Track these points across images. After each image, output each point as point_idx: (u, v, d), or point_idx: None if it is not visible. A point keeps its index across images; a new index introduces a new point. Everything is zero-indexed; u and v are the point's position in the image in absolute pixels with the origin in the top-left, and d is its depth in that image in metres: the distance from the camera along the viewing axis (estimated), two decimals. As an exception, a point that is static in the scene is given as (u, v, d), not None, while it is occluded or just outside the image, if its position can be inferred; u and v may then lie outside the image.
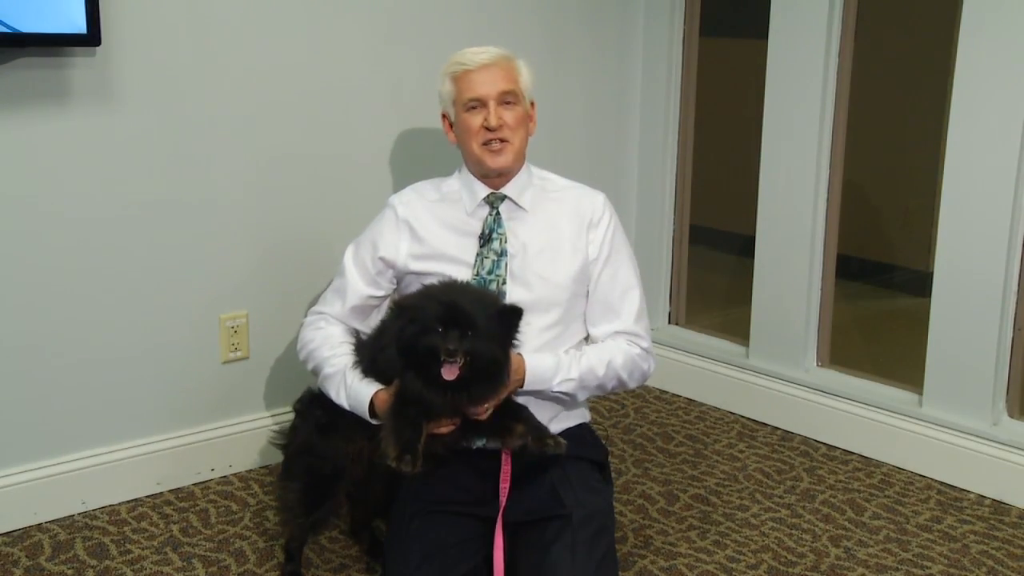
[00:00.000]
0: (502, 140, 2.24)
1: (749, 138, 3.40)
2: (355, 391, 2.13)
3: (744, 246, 3.55)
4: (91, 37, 2.41)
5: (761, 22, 3.27)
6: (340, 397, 2.16)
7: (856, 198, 3.60)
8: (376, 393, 2.11)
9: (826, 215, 3.25)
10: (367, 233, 2.36)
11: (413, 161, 3.11)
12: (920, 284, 3.49)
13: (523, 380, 2.14)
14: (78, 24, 2.38)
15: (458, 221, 2.29)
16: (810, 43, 3.15)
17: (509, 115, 2.24)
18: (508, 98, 2.24)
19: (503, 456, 2.17)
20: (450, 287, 2.09)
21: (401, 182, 2.72)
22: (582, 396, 2.23)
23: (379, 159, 3.08)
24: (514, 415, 2.11)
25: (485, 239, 2.26)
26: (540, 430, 2.10)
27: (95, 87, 2.55)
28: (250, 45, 2.78)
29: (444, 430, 2.08)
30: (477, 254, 2.26)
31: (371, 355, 2.14)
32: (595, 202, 2.32)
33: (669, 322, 3.80)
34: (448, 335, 1.94)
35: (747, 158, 3.43)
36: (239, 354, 2.92)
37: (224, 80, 2.76)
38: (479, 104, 2.23)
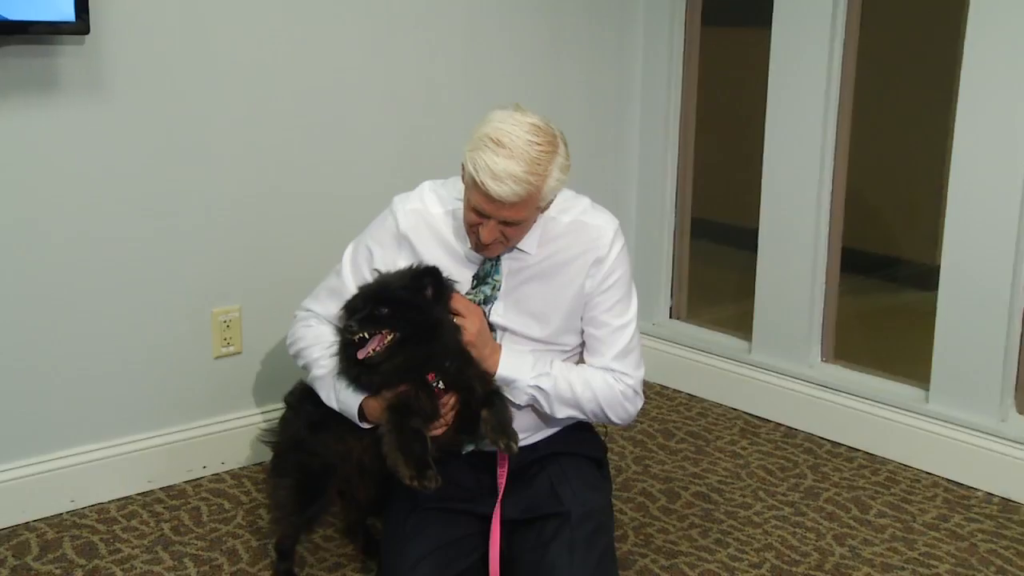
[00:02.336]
0: (490, 245, 2.08)
1: (752, 129, 3.39)
2: (345, 396, 2.11)
3: (747, 239, 3.55)
4: (80, 25, 2.39)
5: (764, 10, 3.27)
6: (330, 400, 2.14)
7: (861, 190, 3.59)
8: (365, 399, 2.08)
9: (830, 207, 3.23)
10: (366, 235, 2.26)
11: (412, 155, 3.10)
12: (927, 278, 3.48)
13: (497, 362, 2.09)
14: (66, 12, 2.36)
15: (458, 247, 2.18)
16: (814, 31, 3.13)
17: (511, 231, 2.05)
18: (511, 224, 2.05)
19: (493, 520, 2.14)
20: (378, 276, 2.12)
21: (399, 177, 2.70)
22: (558, 408, 2.14)
23: (378, 153, 3.06)
24: (485, 402, 2.07)
25: (478, 281, 2.18)
26: (503, 423, 2.05)
27: (84, 77, 2.52)
28: (247, 34, 2.76)
29: (438, 432, 2.06)
30: (468, 293, 2.17)
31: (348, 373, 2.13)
32: (603, 235, 2.16)
33: (670, 316, 3.79)
34: (351, 319, 1.98)
35: (750, 149, 3.41)
36: (232, 349, 2.91)
37: (219, 70, 2.74)
38: (479, 213, 2.04)
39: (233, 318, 2.89)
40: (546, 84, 3.35)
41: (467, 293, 2.15)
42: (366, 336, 1.97)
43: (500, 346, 2.12)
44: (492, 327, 2.16)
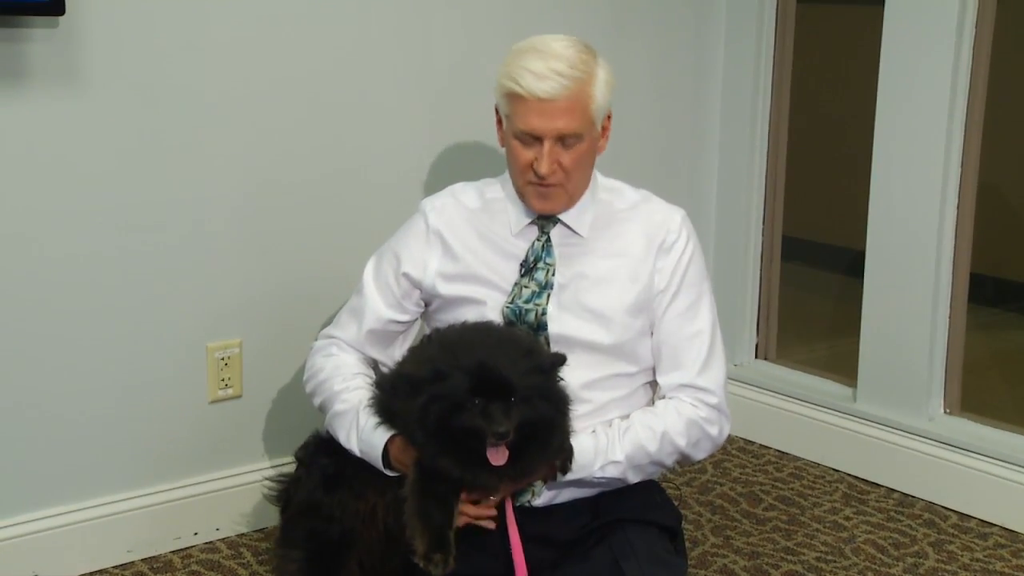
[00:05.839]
0: (554, 184, 2.20)
1: (858, 128, 3.36)
2: (368, 435, 2.13)
3: (851, 262, 3.55)
4: (53, 4, 2.40)
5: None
6: (350, 441, 2.17)
7: (994, 203, 3.56)
8: (392, 439, 2.11)
9: (956, 224, 3.20)
10: (391, 242, 2.37)
11: (443, 153, 3.11)
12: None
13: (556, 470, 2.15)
14: (37, -11, 2.40)
15: (500, 238, 2.29)
16: (938, 8, 3.09)
17: (568, 157, 2.18)
18: (570, 140, 2.18)
19: (507, 509, 2.13)
20: (472, 337, 2.08)
21: (432, 185, 2.70)
22: (633, 477, 2.22)
23: (404, 156, 3.07)
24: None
25: (527, 268, 2.25)
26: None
27: (58, 65, 2.54)
28: (248, 18, 2.78)
29: (485, 516, 2.10)
30: (516, 283, 2.25)
31: (388, 411, 2.14)
32: (670, 221, 2.29)
33: (756, 356, 3.77)
34: (490, 411, 1.94)
35: (855, 153, 3.39)
36: (230, 392, 2.92)
37: (215, 56, 2.75)
38: (532, 139, 2.18)
39: (232, 354, 2.89)
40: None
41: (516, 284, 2.24)
42: (508, 432, 1.94)
43: None
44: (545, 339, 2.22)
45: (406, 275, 2.30)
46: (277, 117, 2.86)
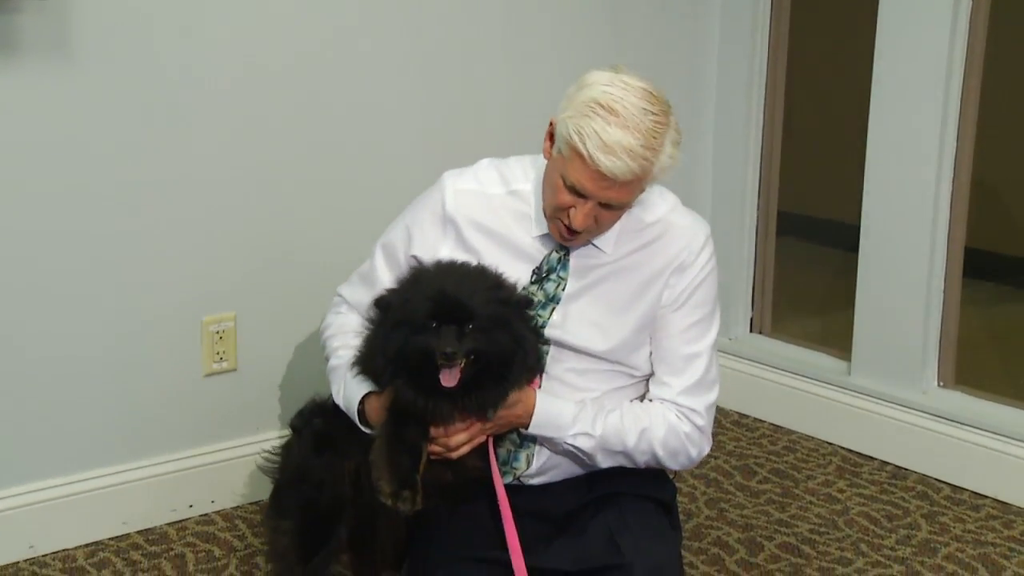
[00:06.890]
0: (582, 233, 2.13)
1: (853, 102, 3.36)
2: (350, 391, 2.15)
3: (846, 237, 3.52)
4: (44, -24, 2.40)
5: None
6: (338, 395, 2.20)
7: (990, 178, 3.56)
8: (367, 396, 2.12)
9: (951, 199, 3.20)
10: (407, 214, 2.32)
11: (441, 135, 3.11)
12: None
13: (528, 418, 2.11)
14: (26, -42, 2.39)
15: (518, 239, 2.22)
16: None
17: (607, 216, 2.11)
18: (614, 206, 2.10)
19: (496, 483, 2.10)
20: (439, 271, 2.10)
21: (426, 162, 2.68)
22: (603, 461, 2.18)
23: (402, 135, 3.07)
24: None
25: (539, 277, 2.21)
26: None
27: (47, 38, 2.52)
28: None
29: (464, 450, 2.07)
30: (525, 287, 2.21)
31: (363, 358, 2.16)
32: (693, 242, 2.23)
33: (751, 330, 3.78)
34: (443, 333, 1.95)
35: (851, 128, 3.39)
36: (225, 365, 2.92)
37: (210, 32, 2.73)
38: (577, 192, 2.08)
39: (227, 328, 2.90)
40: (600, 46, 3.33)
41: (524, 289, 2.18)
42: (455, 354, 1.95)
43: (532, 397, 2.13)
44: (545, 341, 2.18)
45: (415, 257, 2.25)
46: (272, 92, 2.85)
